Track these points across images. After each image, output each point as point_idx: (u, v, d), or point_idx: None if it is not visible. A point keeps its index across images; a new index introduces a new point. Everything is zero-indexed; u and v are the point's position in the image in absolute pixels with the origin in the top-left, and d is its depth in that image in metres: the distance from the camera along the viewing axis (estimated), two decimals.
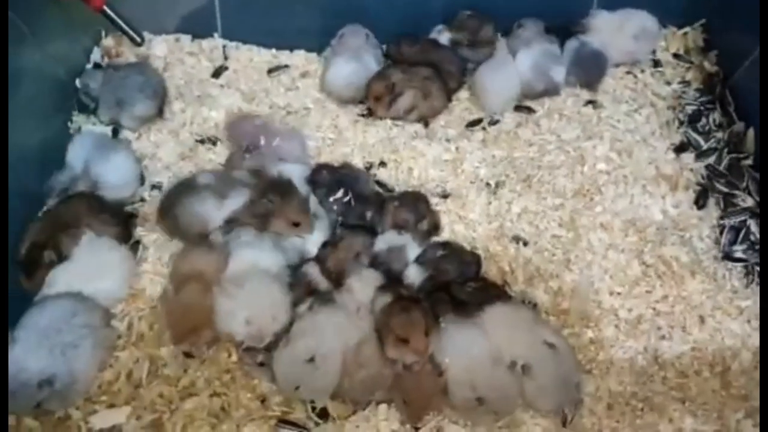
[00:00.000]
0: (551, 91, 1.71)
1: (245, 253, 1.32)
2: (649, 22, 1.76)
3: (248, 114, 1.66)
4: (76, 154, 1.48)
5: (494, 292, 1.33)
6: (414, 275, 1.34)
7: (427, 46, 1.73)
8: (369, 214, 1.43)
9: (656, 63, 1.80)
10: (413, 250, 1.38)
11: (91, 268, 1.31)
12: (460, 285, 1.31)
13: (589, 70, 1.73)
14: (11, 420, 1.18)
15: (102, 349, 1.25)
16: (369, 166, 1.58)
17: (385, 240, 1.38)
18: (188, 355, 1.27)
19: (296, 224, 1.37)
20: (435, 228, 1.46)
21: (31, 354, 1.16)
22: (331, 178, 1.46)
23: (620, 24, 1.75)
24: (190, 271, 1.31)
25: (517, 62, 1.70)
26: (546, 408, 1.22)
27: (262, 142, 1.52)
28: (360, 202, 1.43)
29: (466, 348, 1.21)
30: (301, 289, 1.30)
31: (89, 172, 1.45)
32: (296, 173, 1.47)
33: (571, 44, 1.73)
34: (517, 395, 1.21)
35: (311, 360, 1.18)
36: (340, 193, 1.42)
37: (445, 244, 1.42)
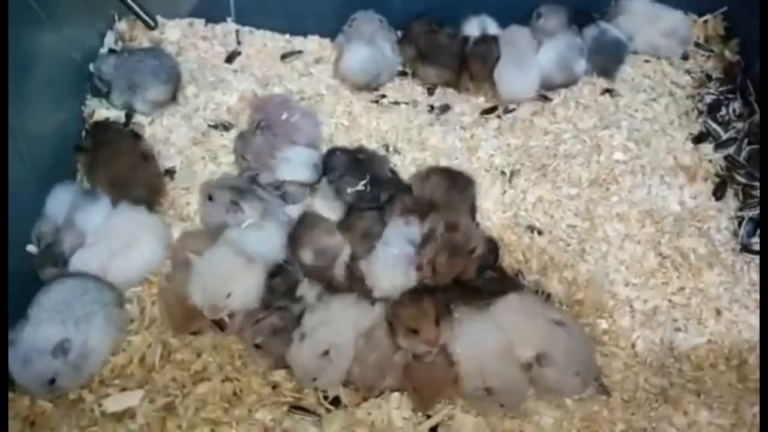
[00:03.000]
0: (570, 83, 1.69)
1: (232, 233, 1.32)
2: (682, 25, 1.73)
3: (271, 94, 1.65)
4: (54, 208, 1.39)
5: (509, 284, 1.31)
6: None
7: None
8: (383, 197, 1.41)
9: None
10: None
11: (125, 235, 1.33)
12: (478, 273, 1.30)
13: (608, 59, 1.70)
14: (25, 401, 1.18)
15: (114, 327, 1.25)
16: (384, 152, 1.56)
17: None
18: (195, 333, 1.28)
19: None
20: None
21: (44, 327, 1.16)
22: (346, 160, 1.45)
23: (655, 15, 1.72)
24: (185, 258, 1.29)
25: (541, 55, 1.65)
26: (573, 390, 1.21)
27: (284, 116, 1.51)
28: (375, 186, 1.42)
29: (478, 338, 1.20)
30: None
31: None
32: (305, 158, 1.47)
33: (591, 31, 1.70)
34: (525, 391, 1.20)
35: (326, 353, 1.17)
36: (361, 186, 1.40)
37: None
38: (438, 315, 1.19)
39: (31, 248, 1.34)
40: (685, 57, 1.76)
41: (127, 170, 1.42)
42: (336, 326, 1.21)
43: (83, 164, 1.49)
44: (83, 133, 1.57)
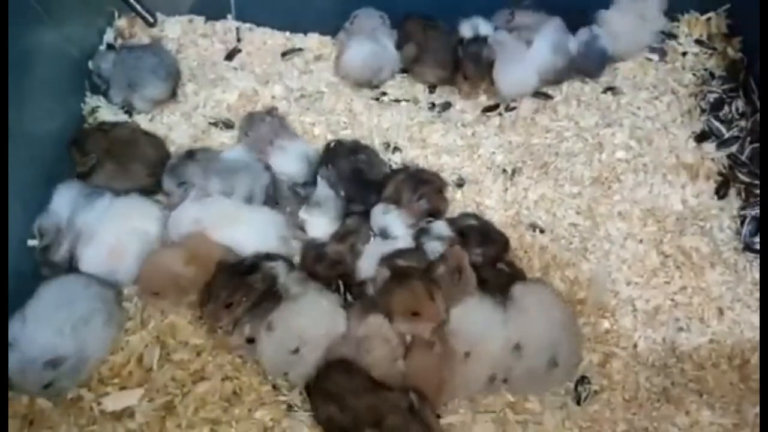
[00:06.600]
0: (568, 65, 1.66)
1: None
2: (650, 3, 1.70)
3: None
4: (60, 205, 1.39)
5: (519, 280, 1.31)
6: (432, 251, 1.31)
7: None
8: (373, 198, 1.42)
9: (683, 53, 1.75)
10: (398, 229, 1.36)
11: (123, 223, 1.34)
12: (491, 266, 1.30)
13: (593, 65, 1.67)
14: (24, 400, 1.18)
15: (114, 326, 1.25)
16: (384, 150, 1.56)
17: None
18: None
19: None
20: (435, 213, 1.43)
21: (39, 335, 1.16)
22: (343, 160, 1.46)
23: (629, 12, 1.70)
24: (191, 244, 1.31)
25: (536, 48, 1.63)
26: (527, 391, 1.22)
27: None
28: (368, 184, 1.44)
29: (478, 308, 1.21)
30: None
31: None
32: (300, 151, 1.48)
33: (582, 35, 1.66)
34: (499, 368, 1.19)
35: (296, 351, 1.17)
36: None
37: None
38: (430, 291, 1.18)
39: (33, 243, 1.34)
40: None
41: (136, 141, 1.47)
42: (306, 320, 1.19)
43: (98, 153, 1.43)
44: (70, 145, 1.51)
